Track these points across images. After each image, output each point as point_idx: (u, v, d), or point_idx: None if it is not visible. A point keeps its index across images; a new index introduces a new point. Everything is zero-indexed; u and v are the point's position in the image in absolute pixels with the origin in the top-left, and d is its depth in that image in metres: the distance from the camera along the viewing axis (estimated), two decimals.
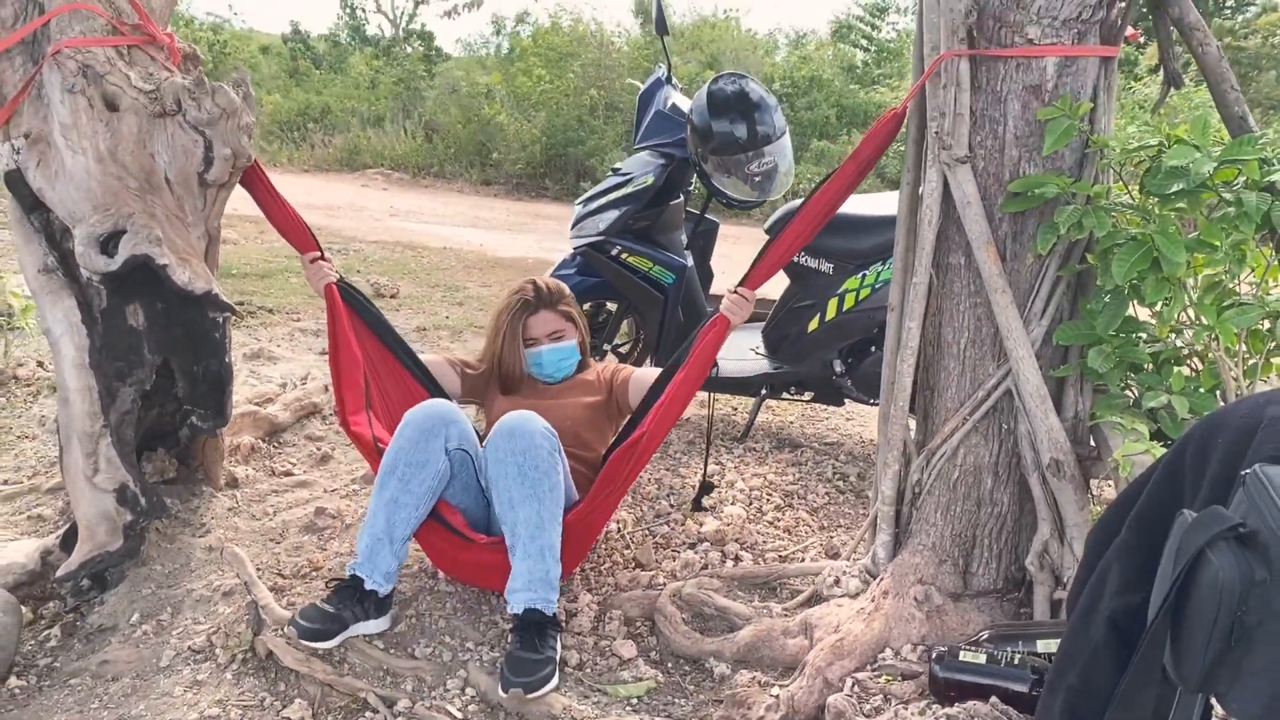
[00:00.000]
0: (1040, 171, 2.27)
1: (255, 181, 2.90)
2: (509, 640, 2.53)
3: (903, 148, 2.61)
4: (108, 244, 2.56)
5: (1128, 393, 2.36)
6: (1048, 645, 2.18)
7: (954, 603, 2.43)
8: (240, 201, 3.11)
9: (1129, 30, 2.27)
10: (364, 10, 23.72)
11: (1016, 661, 2.14)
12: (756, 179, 3.63)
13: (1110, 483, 2.29)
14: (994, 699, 2.07)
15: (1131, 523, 1.57)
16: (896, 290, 2.56)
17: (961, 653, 2.19)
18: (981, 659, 2.16)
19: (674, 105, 3.89)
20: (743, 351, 4.02)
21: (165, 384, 3.02)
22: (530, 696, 2.35)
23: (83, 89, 2.56)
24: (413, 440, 2.58)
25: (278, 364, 4.58)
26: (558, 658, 2.50)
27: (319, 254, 2.99)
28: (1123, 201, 2.22)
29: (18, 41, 2.60)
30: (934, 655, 2.23)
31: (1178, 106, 8.53)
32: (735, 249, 7.09)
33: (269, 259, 7.56)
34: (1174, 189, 2.04)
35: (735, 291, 2.77)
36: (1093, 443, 2.40)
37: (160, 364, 2.91)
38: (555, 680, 2.42)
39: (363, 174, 14.12)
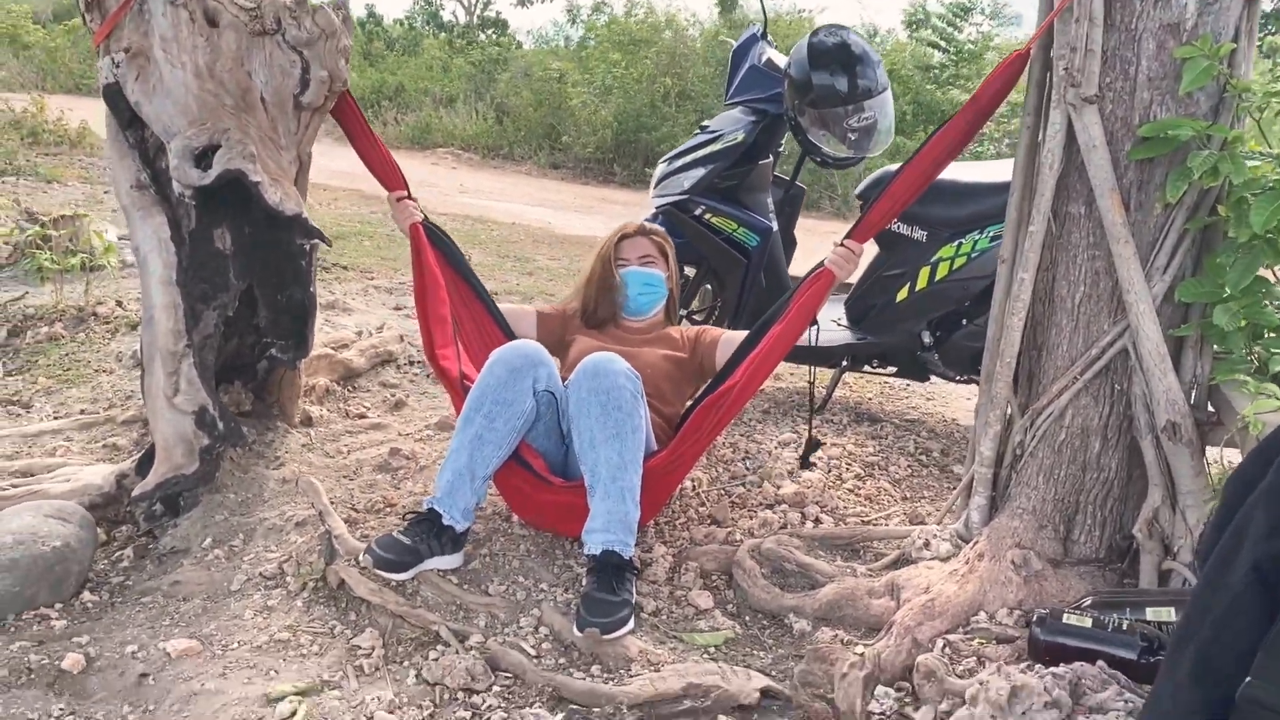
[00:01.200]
0: (1173, 116, 2.15)
1: (347, 113, 2.88)
2: (585, 581, 2.46)
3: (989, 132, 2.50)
4: (201, 159, 2.54)
5: (1250, 358, 2.23)
6: (1158, 613, 2.06)
7: (1054, 569, 2.33)
8: (314, 170, 3.10)
9: None
10: None
11: (1124, 628, 2.03)
12: (854, 136, 3.52)
13: (1234, 449, 2.16)
14: (1100, 663, 1.96)
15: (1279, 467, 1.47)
16: (1009, 241, 2.46)
17: (1065, 616, 2.08)
18: (1087, 623, 2.05)
19: (769, 60, 3.79)
20: (824, 322, 3.91)
21: (245, 315, 3.01)
22: (607, 637, 2.28)
23: (185, 2, 2.54)
24: (501, 379, 2.53)
25: (352, 315, 4.57)
26: (634, 601, 2.43)
27: (406, 193, 2.97)
28: (1263, 151, 2.10)
29: None
30: (1035, 618, 2.12)
31: None
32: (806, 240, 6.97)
33: (341, 223, 7.59)
34: None
35: (843, 244, 2.68)
36: (1210, 407, 2.28)
37: (243, 292, 2.89)
38: (632, 624, 2.35)
39: (433, 153, 14.19)
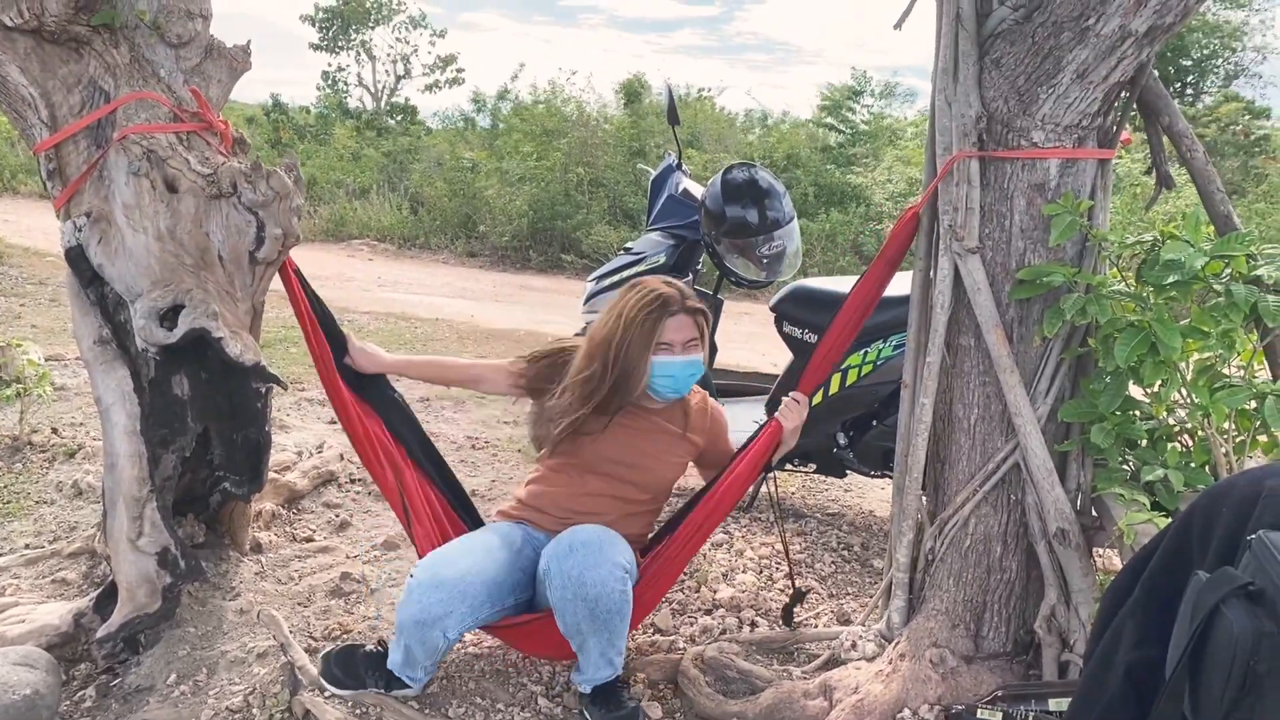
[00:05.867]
0: (1044, 261, 2.47)
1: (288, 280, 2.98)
2: (587, 713, 2.63)
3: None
4: (166, 317, 2.69)
5: (1125, 466, 2.53)
6: (1059, 704, 2.32)
7: (967, 665, 2.57)
8: None
9: (1123, 135, 2.50)
10: (345, 84, 24.16)
11: (1031, 719, 2.28)
12: (766, 260, 3.83)
13: (1114, 551, 2.45)
14: None
15: (1144, 583, 1.72)
16: (910, 369, 2.74)
17: (978, 711, 2.33)
18: (997, 717, 2.30)
19: (685, 190, 4.11)
20: (746, 424, 4.16)
21: (199, 451, 3.13)
22: None
23: (146, 172, 2.72)
24: (415, 619, 2.49)
25: (290, 433, 4.68)
26: (638, 704, 2.64)
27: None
28: (1120, 290, 2.42)
29: (83, 127, 2.76)
30: (951, 714, 2.36)
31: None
32: (739, 326, 7.30)
33: (268, 329, 7.66)
34: (1169, 280, 2.25)
35: (790, 396, 2.84)
36: (1094, 513, 2.57)
37: (200, 432, 3.02)
38: None
39: (349, 244, 14.30)
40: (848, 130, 16.51)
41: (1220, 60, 18.83)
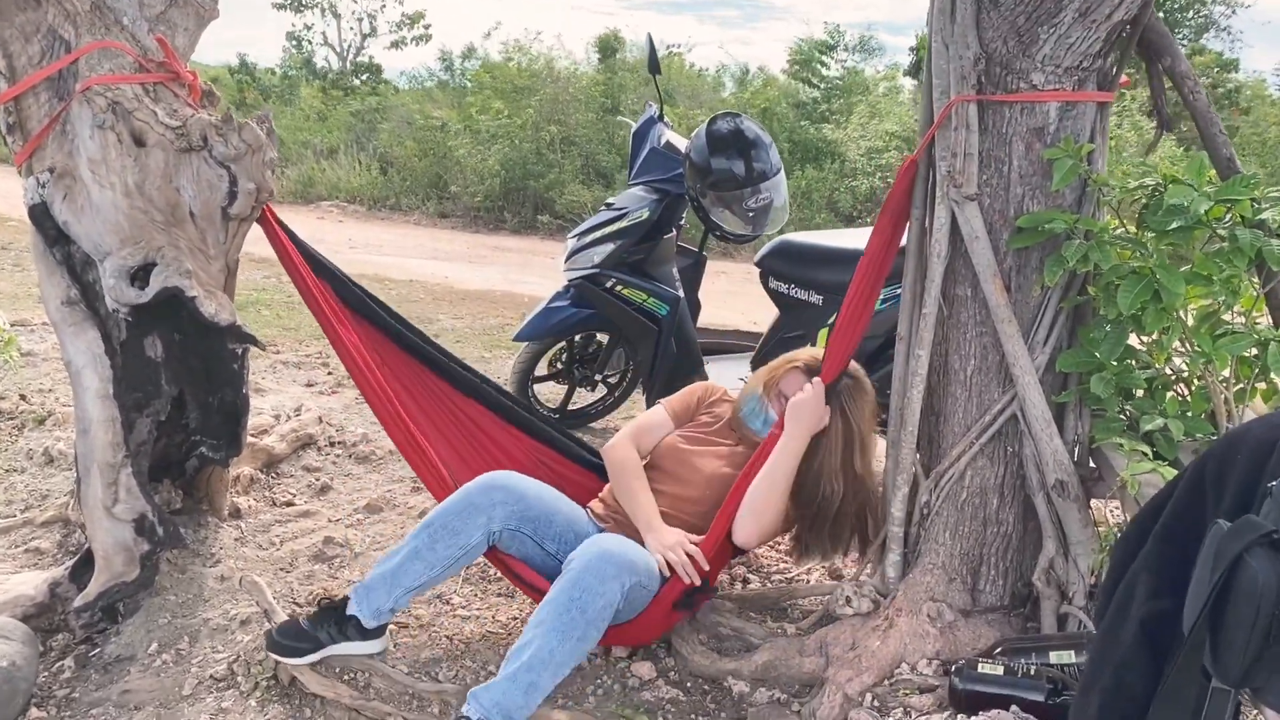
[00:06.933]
0: (1043, 208, 2.42)
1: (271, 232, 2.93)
2: None
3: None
4: (136, 276, 2.60)
5: (1123, 416, 2.50)
6: (1060, 656, 2.30)
7: (964, 618, 2.55)
8: None
9: (1122, 77, 2.44)
10: (310, 43, 23.69)
11: (1032, 673, 2.26)
12: (751, 214, 3.76)
13: (1116, 502, 2.43)
14: (1014, 708, 2.18)
15: (1158, 534, 1.69)
16: (905, 320, 2.69)
17: (979, 665, 2.30)
18: (999, 671, 2.27)
19: (668, 142, 4.01)
20: (732, 382, 4.11)
21: (174, 415, 3.05)
22: None
23: (112, 125, 2.60)
24: (457, 508, 2.58)
25: (266, 396, 4.58)
26: None
27: None
28: (1121, 236, 2.37)
29: (44, 78, 2.64)
30: (953, 668, 2.33)
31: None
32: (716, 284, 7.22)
33: (240, 291, 7.51)
34: (1173, 225, 2.20)
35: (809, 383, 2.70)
36: (1092, 464, 2.54)
37: (175, 395, 2.94)
38: None
39: (318, 206, 14.07)
40: (821, 85, 16.35)
41: (1191, 14, 18.80)
